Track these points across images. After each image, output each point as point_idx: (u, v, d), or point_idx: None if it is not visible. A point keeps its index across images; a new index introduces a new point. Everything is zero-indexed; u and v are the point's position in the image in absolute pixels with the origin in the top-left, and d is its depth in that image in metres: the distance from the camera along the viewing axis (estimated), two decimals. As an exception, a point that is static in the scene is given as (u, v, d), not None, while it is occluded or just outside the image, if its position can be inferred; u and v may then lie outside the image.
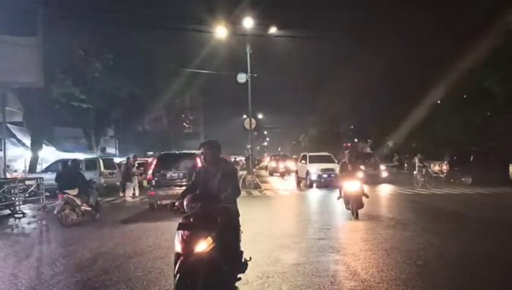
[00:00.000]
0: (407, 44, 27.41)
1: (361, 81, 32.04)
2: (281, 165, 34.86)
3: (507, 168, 21.43)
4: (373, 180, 21.84)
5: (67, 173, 11.48)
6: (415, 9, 27.41)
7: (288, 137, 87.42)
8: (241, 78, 23.78)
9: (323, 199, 16.40)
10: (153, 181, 13.15)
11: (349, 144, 48.57)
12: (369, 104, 34.87)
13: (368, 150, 55.87)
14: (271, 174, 36.48)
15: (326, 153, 24.14)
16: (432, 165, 24.21)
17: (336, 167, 19.68)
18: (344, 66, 34.22)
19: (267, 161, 49.07)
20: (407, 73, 28.81)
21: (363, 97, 33.84)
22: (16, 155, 24.61)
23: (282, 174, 32.82)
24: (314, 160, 22.34)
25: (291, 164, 36.48)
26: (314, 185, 21.23)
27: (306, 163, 22.30)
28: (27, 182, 15.63)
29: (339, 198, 11.56)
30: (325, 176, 20.99)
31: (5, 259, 7.45)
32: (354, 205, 10.69)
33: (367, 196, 11.07)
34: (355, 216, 10.58)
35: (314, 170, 21.38)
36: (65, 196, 10.75)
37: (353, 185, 10.84)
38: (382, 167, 24.52)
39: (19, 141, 25.37)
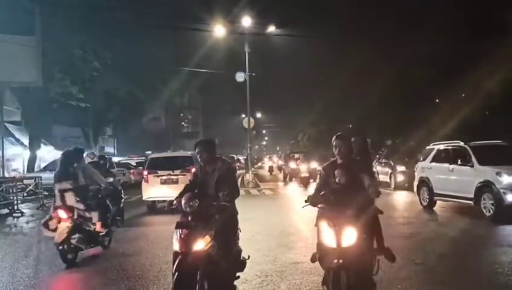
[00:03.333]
0: (406, 43, 27.43)
1: (360, 79, 32.07)
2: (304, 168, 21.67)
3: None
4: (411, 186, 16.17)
5: None
6: (415, 8, 27.47)
7: (287, 136, 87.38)
8: (240, 77, 23.83)
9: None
10: None
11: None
12: (368, 102, 34.86)
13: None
14: (289, 179, 25.98)
15: (500, 142, 12.06)
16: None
17: None
18: (344, 64, 34.23)
19: (278, 161, 39.46)
20: (407, 72, 28.84)
21: (362, 95, 33.84)
22: (14, 154, 24.60)
23: (305, 182, 20.79)
24: (487, 157, 10.64)
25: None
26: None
27: (471, 164, 10.57)
28: (25, 181, 15.62)
29: (314, 260, 4.49)
30: None
31: (3, 258, 7.45)
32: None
33: (393, 257, 5.08)
34: None
35: (510, 179, 9.76)
36: None
37: (344, 234, 4.04)
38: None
39: (17, 140, 25.36)
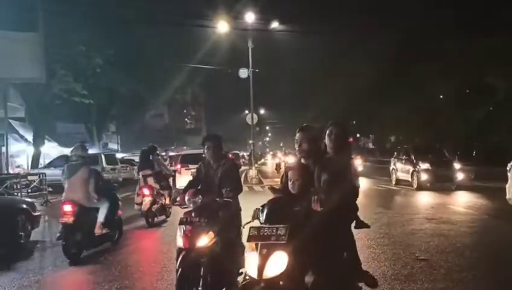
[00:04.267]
0: (411, 39, 27.33)
1: (363, 76, 32.02)
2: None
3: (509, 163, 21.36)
4: (444, 185, 15.79)
5: None
6: (417, 5, 27.34)
7: (290, 132, 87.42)
8: (243, 73, 23.80)
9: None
10: None
11: (351, 139, 47.97)
12: (370, 99, 34.79)
13: (370, 145, 55.80)
14: None
15: None
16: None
17: None
18: (346, 60, 34.13)
19: (284, 158, 37.48)
20: (411, 68, 28.75)
21: (365, 92, 33.76)
22: (19, 151, 24.69)
23: None
24: None
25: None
26: None
27: None
28: (29, 178, 15.65)
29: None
30: None
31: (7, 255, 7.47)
32: None
33: (374, 282, 4.08)
34: None
35: None
36: None
37: (270, 260, 3.04)
38: (456, 165, 16.36)
39: (21, 136, 25.44)
